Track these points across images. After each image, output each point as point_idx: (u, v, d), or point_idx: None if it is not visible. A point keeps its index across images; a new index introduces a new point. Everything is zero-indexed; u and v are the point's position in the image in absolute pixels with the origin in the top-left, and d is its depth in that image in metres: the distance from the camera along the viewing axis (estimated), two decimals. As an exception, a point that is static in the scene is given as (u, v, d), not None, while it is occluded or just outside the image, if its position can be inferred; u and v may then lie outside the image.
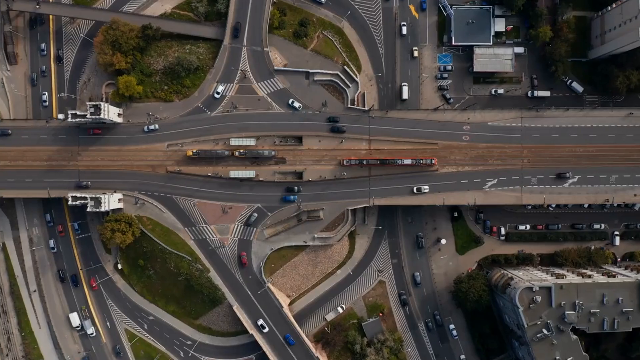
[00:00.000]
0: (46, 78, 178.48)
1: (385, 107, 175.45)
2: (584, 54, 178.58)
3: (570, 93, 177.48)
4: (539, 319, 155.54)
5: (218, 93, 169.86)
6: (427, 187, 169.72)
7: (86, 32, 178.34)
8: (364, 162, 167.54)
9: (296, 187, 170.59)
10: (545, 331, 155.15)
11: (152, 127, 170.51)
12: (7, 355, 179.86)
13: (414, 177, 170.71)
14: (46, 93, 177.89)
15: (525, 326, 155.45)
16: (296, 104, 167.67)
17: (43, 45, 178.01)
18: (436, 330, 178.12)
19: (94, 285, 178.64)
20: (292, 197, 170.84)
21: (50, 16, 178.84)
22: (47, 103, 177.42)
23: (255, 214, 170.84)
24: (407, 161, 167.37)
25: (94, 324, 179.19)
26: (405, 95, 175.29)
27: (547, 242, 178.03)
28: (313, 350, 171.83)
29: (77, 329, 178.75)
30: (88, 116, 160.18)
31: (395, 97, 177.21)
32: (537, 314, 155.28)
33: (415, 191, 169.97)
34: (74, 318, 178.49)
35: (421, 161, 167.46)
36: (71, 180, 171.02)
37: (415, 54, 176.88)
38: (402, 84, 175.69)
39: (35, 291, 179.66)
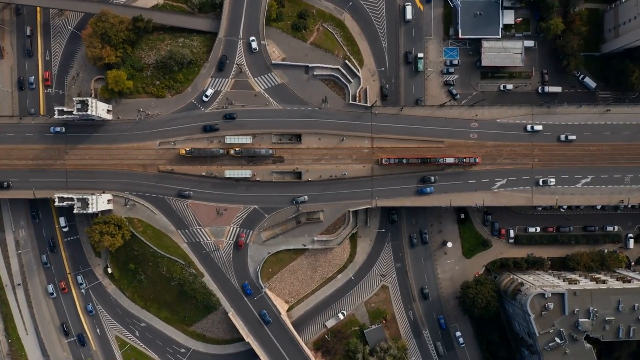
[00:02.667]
0: (33, 69, 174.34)
1: (387, 104, 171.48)
2: (596, 47, 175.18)
3: (582, 89, 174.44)
4: (551, 327, 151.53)
5: (207, 96, 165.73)
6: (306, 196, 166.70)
7: (75, 25, 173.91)
8: (404, 160, 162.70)
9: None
10: (557, 340, 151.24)
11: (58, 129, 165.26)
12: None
13: (418, 177, 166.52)
14: (33, 77, 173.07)
15: (537, 334, 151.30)
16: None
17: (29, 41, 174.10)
18: (441, 336, 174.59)
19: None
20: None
21: (38, 8, 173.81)
22: (34, 86, 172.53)
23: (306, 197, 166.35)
24: (450, 160, 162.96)
25: (82, 330, 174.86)
26: (408, 16, 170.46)
27: (558, 245, 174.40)
28: (312, 359, 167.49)
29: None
30: (75, 113, 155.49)
31: (396, 93, 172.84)
32: (549, 322, 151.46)
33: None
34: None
35: (464, 160, 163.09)
36: (58, 180, 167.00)
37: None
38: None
39: (19, 285, 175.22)
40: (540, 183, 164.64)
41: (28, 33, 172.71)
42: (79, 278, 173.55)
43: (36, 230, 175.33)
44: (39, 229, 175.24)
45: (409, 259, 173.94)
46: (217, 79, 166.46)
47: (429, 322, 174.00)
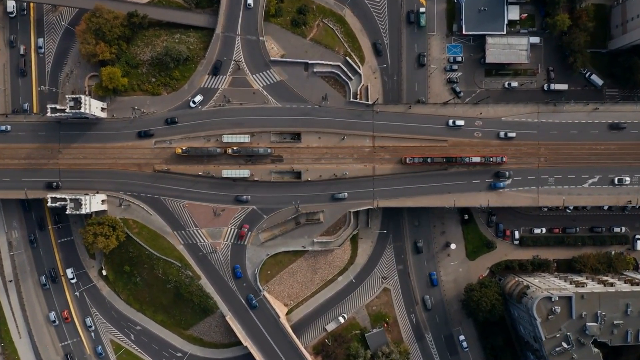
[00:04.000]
0: (26, 67, 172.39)
1: (389, 101, 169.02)
2: (603, 44, 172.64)
3: (589, 86, 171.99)
4: (558, 332, 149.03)
5: (194, 102, 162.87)
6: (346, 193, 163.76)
7: (69, 21, 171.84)
8: (429, 159, 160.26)
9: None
10: (564, 344, 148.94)
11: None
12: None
13: (422, 176, 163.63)
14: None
15: (543, 339, 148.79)
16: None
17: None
18: (444, 341, 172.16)
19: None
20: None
21: (31, 4, 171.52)
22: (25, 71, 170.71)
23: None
24: (476, 159, 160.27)
25: (77, 333, 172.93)
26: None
27: (564, 247, 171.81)
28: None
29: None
30: (67, 110, 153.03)
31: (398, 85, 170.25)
32: (556, 326, 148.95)
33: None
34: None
35: (491, 159, 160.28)
36: (51, 180, 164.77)
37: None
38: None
39: (11, 281, 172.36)
40: (616, 181, 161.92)
41: (22, 52, 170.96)
42: (69, 272, 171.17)
43: (29, 231, 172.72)
44: (32, 228, 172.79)
45: (411, 261, 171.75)
46: (214, 76, 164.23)
47: (431, 325, 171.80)
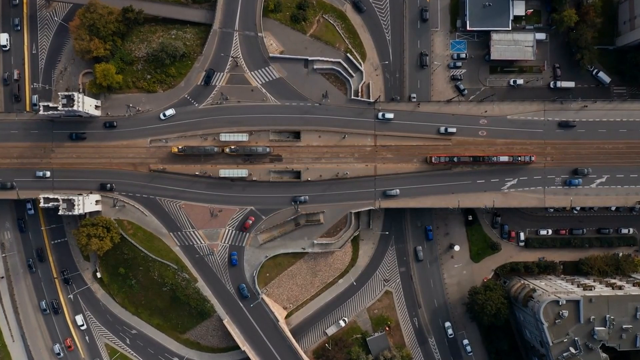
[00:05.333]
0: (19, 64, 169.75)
1: (390, 99, 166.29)
2: (611, 41, 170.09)
3: (596, 84, 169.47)
4: (565, 336, 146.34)
5: (165, 115, 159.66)
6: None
7: (62, 17, 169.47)
8: (455, 159, 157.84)
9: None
10: (572, 350, 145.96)
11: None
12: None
13: (425, 176, 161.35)
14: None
15: (550, 344, 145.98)
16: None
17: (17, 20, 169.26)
18: (447, 344, 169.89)
19: None
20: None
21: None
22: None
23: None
24: (504, 158, 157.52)
25: (71, 338, 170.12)
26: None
27: (570, 249, 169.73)
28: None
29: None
30: (60, 108, 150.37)
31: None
32: (563, 331, 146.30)
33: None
34: None
35: (519, 158, 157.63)
36: (44, 180, 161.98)
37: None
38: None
39: (2, 277, 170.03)
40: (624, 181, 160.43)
41: (16, 77, 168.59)
42: (79, 318, 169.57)
43: (22, 232, 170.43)
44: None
45: (414, 263, 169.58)
46: (206, 85, 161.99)
47: (434, 328, 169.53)
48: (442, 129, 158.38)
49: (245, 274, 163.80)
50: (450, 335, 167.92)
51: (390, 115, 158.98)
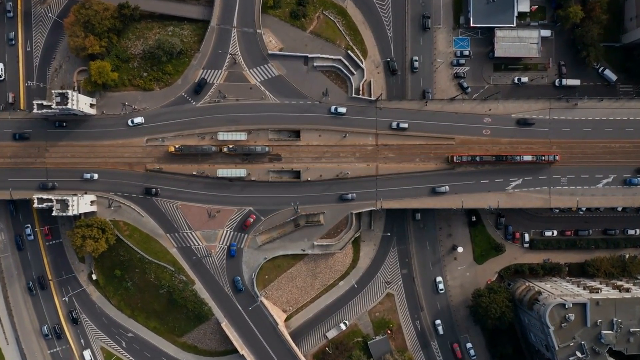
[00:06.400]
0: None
1: (392, 97, 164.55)
2: (617, 38, 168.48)
3: (602, 82, 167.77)
4: (571, 340, 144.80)
5: (132, 122, 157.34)
6: (447, 187, 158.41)
7: (57, 13, 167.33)
8: (477, 158, 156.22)
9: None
10: (578, 354, 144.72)
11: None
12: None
13: (427, 176, 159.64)
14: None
15: (556, 348, 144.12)
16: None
17: (11, 35, 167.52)
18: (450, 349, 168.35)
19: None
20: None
21: None
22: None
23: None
24: (527, 157, 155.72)
25: (66, 340, 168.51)
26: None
27: (576, 250, 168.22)
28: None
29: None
30: (54, 106, 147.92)
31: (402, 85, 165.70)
32: (569, 334, 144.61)
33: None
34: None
35: (542, 158, 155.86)
36: (38, 180, 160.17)
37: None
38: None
39: None
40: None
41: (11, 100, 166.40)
42: (86, 354, 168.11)
43: (16, 233, 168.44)
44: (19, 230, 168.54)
45: (416, 265, 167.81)
46: (208, 71, 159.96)
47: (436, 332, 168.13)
48: (394, 124, 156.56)
49: (244, 277, 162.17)
50: (440, 333, 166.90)
51: (342, 110, 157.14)
